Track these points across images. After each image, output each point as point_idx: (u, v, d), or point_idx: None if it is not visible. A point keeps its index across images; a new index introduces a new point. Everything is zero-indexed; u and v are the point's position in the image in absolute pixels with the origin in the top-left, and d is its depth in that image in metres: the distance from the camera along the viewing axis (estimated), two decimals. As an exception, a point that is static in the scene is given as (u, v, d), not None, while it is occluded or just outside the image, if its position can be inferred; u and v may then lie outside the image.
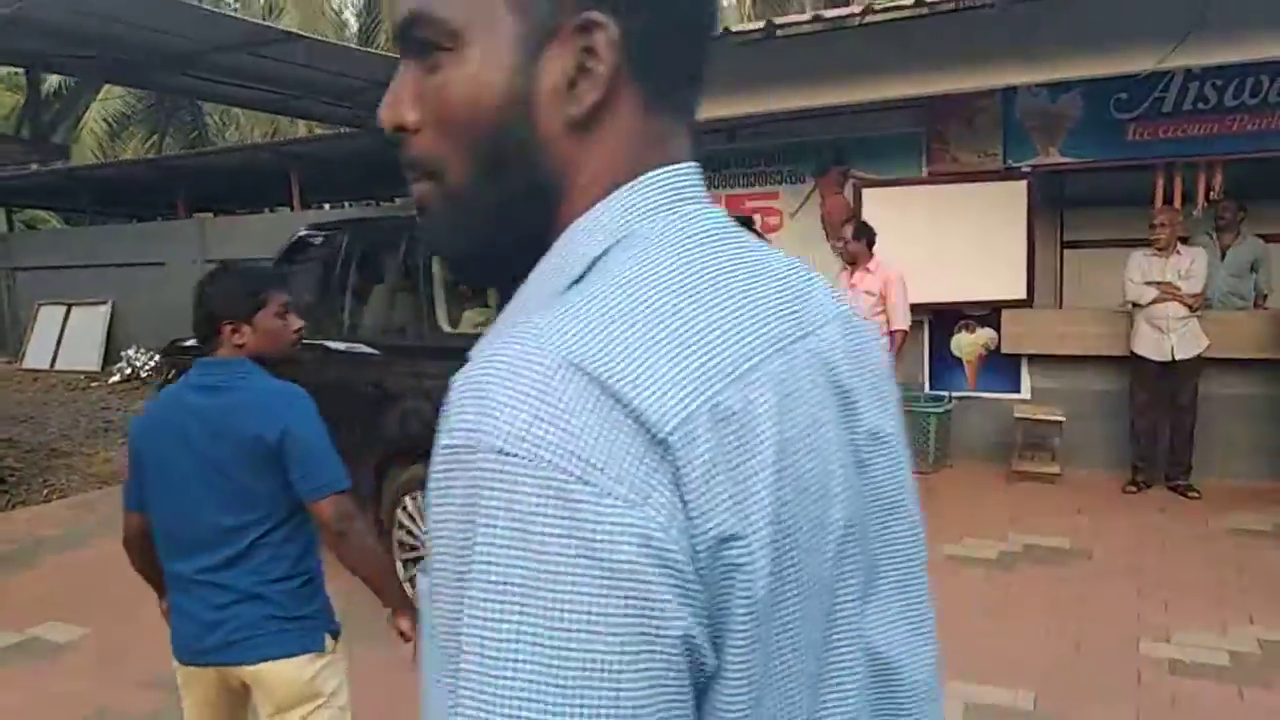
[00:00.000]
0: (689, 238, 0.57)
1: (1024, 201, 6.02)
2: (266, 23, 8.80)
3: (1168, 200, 5.66)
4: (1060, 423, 5.80)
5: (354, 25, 19.11)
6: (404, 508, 4.07)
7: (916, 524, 0.65)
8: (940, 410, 6.17)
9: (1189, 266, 5.32)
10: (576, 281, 0.55)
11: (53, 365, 12.10)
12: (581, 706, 0.43)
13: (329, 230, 4.94)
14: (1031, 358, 6.23)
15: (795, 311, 0.58)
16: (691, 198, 0.60)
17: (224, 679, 2.02)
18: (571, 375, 0.47)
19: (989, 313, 6.29)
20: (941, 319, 6.46)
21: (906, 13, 5.53)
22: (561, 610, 0.44)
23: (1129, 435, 5.63)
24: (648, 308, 0.50)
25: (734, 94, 6.10)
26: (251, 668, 1.95)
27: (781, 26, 5.76)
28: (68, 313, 12.34)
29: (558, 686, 0.43)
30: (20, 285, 13.00)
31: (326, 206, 15.34)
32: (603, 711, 0.44)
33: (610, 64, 0.56)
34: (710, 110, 6.24)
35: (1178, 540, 4.69)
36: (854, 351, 0.61)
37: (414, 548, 4.05)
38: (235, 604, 1.94)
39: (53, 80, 11.39)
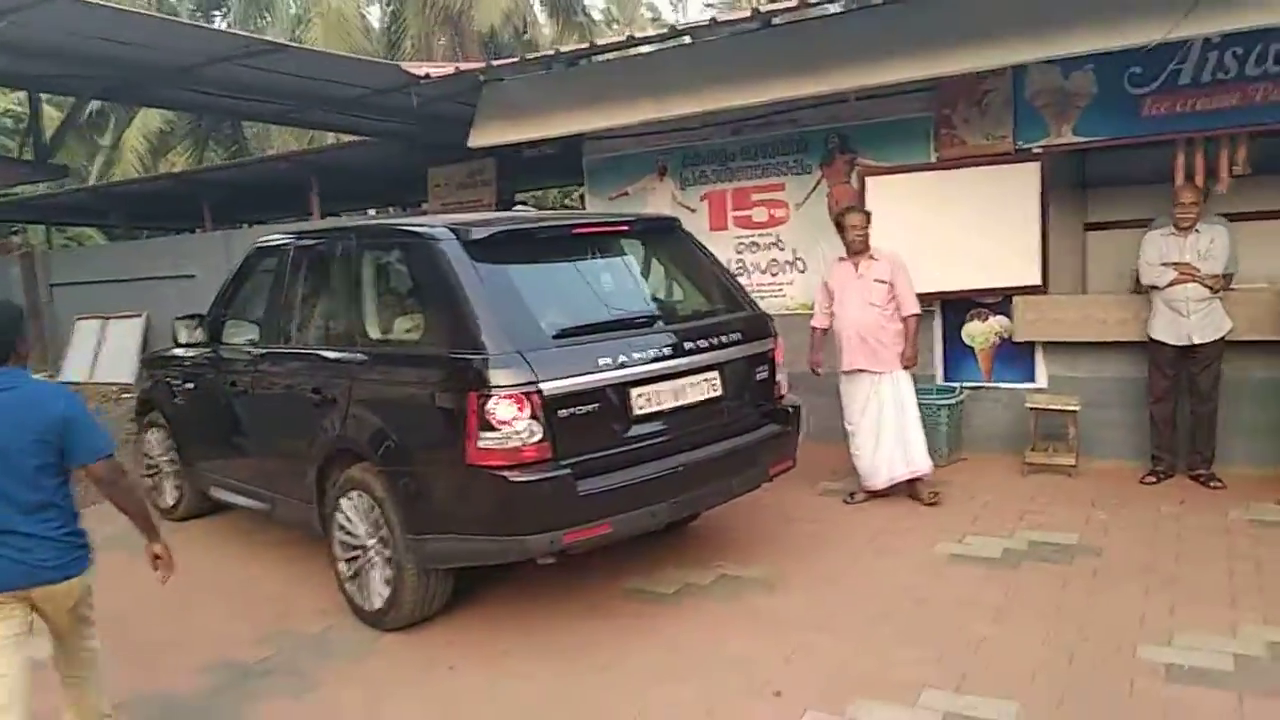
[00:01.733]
0: None
1: (1037, 184, 5.77)
2: (273, 39, 8.82)
3: (1189, 177, 5.37)
4: (1075, 412, 5.56)
5: (378, 34, 19.29)
6: (341, 509, 4.06)
7: None
8: (951, 403, 5.97)
9: (1208, 246, 5.05)
10: None
11: (90, 377, 12.36)
12: None
13: (279, 243, 4.93)
14: (1047, 346, 5.98)
15: None
16: None
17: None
18: None
19: (1002, 300, 6.06)
20: (953, 308, 6.24)
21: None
22: None
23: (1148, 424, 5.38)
24: None
25: (734, 85, 5.95)
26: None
27: (775, 14, 5.60)
28: (104, 326, 12.60)
29: None
30: (58, 301, 13.29)
31: (372, 213, 15.42)
32: None
33: None
34: (711, 103, 6.11)
35: (1194, 535, 4.45)
36: None
37: (354, 547, 4.03)
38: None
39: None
